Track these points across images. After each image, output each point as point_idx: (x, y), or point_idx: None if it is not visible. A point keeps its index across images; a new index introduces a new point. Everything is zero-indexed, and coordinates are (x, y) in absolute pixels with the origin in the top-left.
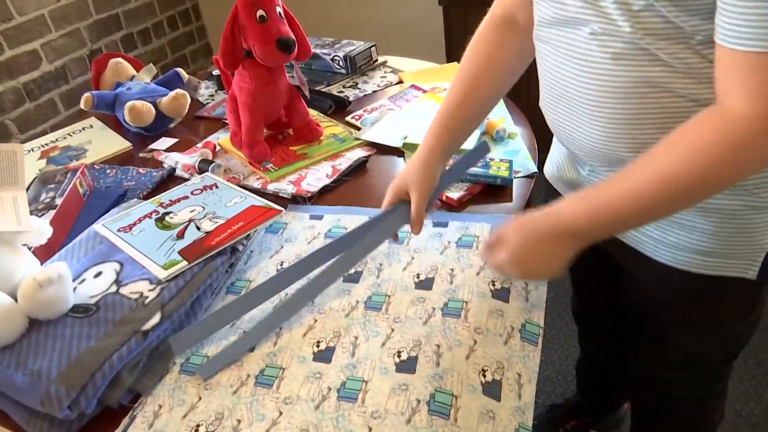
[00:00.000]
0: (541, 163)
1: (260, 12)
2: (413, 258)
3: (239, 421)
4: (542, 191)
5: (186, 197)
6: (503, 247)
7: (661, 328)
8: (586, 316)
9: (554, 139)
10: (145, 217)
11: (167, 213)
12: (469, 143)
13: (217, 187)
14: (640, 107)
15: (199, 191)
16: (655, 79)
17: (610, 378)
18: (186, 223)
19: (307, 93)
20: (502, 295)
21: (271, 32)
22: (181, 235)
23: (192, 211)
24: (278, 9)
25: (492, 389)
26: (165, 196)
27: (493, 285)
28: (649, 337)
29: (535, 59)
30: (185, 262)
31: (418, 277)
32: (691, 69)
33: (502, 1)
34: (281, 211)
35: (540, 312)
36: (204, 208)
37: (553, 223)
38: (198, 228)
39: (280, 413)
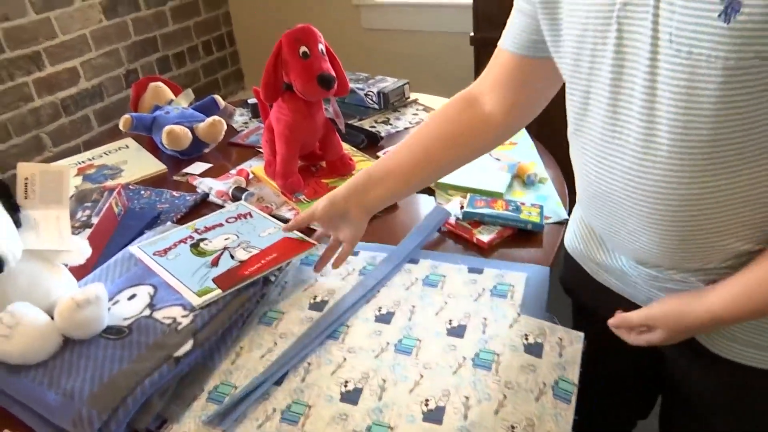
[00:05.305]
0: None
1: (303, 48)
2: (446, 303)
3: None
4: (561, 261)
5: (221, 224)
6: (657, 331)
7: (704, 415)
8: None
9: (575, 213)
10: (180, 242)
11: (202, 239)
12: (498, 185)
13: (251, 216)
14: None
15: (234, 219)
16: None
17: None
18: (220, 251)
19: (342, 127)
20: (534, 349)
21: (313, 68)
22: (215, 263)
23: (226, 239)
24: (320, 46)
25: None
26: (200, 223)
27: (526, 339)
28: (690, 423)
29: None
30: (219, 290)
31: (450, 323)
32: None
33: (478, 81)
34: (315, 245)
35: (575, 368)
36: (238, 236)
37: (710, 317)
38: (232, 256)
39: None
